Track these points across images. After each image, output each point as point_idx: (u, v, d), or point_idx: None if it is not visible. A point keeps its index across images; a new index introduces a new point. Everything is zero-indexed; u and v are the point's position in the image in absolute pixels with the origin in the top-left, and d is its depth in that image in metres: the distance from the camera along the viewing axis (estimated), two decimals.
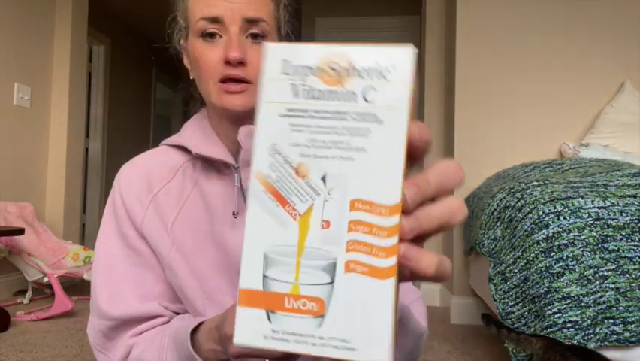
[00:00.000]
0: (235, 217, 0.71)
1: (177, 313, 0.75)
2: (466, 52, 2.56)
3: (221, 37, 0.66)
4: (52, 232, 2.76)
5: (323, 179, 0.28)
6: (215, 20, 0.65)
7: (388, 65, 0.28)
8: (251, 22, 0.65)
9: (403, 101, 0.28)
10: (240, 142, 0.69)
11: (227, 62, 0.64)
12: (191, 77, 0.73)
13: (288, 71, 0.28)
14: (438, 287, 2.85)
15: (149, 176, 0.74)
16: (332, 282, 0.28)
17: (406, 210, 0.28)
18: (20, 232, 2.12)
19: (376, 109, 0.28)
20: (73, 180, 3.12)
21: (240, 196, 0.71)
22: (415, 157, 0.31)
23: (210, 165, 0.73)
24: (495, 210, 1.56)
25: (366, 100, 0.28)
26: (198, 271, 0.71)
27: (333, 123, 0.28)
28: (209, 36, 0.66)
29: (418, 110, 3.46)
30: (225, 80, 0.65)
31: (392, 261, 0.27)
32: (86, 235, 4.17)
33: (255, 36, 0.66)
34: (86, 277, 2.47)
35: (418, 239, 0.29)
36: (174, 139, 0.76)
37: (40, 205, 2.94)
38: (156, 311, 0.71)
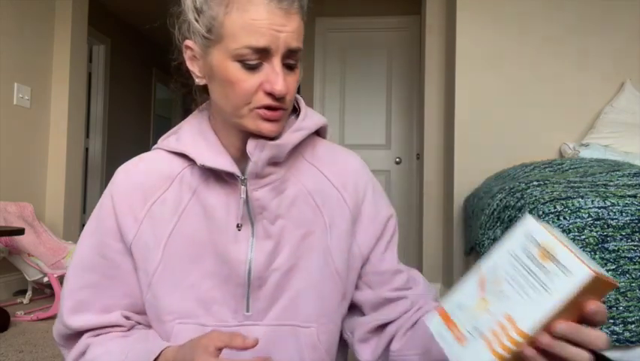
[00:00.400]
0: (239, 230, 0.70)
1: (139, 323, 0.76)
2: (466, 51, 2.56)
3: (261, 64, 0.63)
4: (52, 232, 2.76)
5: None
6: (260, 51, 0.62)
7: (572, 270, 0.43)
8: (292, 51, 0.64)
9: (566, 291, 0.43)
10: (249, 154, 0.67)
11: (269, 93, 0.63)
12: (197, 82, 0.70)
13: (529, 237, 0.47)
14: (438, 287, 2.85)
15: (144, 185, 0.72)
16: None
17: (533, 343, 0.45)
18: (20, 232, 2.12)
19: (553, 282, 0.44)
20: (74, 180, 3.12)
21: (245, 209, 0.70)
22: (591, 323, 0.46)
23: (210, 172, 0.71)
24: (495, 210, 1.56)
25: (550, 273, 0.45)
26: (192, 283, 0.70)
27: (525, 275, 0.46)
28: (250, 64, 0.63)
29: (419, 110, 3.46)
30: (265, 107, 0.64)
31: (504, 351, 0.45)
32: None
33: (289, 66, 0.65)
34: None
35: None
36: (172, 144, 0.74)
37: (40, 205, 2.94)
38: (116, 322, 0.72)
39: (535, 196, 1.34)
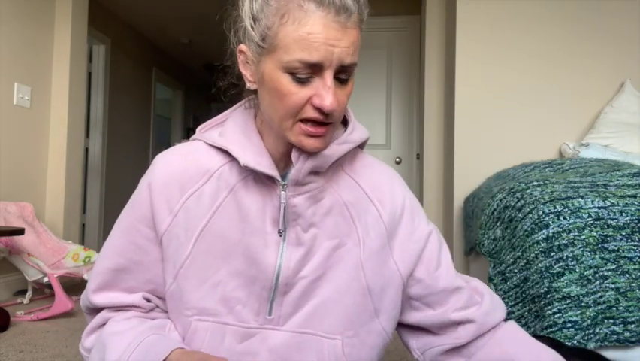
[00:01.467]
0: (280, 235, 0.71)
1: (158, 307, 0.78)
2: (466, 52, 2.56)
3: (312, 77, 0.62)
4: (52, 232, 2.76)
5: None
6: (312, 66, 0.61)
7: None
8: (345, 67, 0.63)
9: None
10: (293, 161, 0.68)
11: (318, 108, 0.62)
12: (248, 87, 0.70)
13: None
14: None
15: (183, 177, 0.72)
16: None
17: None
18: (20, 232, 2.12)
19: None
20: (74, 180, 3.12)
21: (283, 214, 0.70)
22: None
23: (250, 173, 0.71)
24: (495, 210, 1.56)
25: None
26: (219, 280, 0.70)
27: None
28: (301, 78, 0.62)
29: (419, 110, 3.46)
30: (310, 120, 0.64)
31: None
32: (85, 235, 4.17)
33: (341, 80, 0.64)
34: (85, 277, 2.47)
35: None
36: (215, 139, 0.74)
37: (40, 205, 2.94)
38: (137, 303, 0.75)
39: (535, 196, 1.34)
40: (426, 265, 0.76)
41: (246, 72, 0.69)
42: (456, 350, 0.76)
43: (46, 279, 2.39)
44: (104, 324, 0.75)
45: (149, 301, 0.76)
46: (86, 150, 4.19)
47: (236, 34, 0.69)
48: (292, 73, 0.62)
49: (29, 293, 2.59)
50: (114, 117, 4.52)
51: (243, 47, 0.68)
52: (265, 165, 0.69)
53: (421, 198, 3.10)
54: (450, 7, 2.77)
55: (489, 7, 2.54)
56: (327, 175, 0.73)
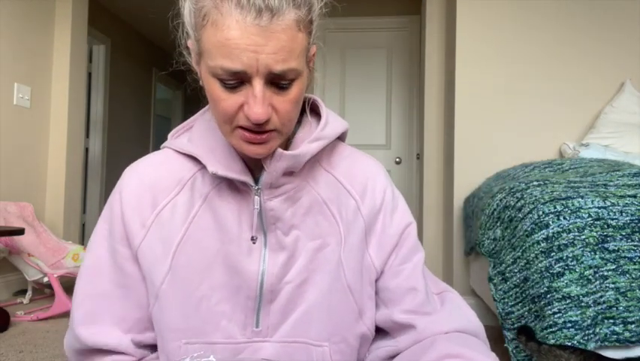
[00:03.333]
0: (254, 243, 0.67)
1: (148, 349, 0.72)
2: (466, 52, 2.56)
3: (242, 83, 0.57)
4: (52, 232, 2.76)
5: None
6: (236, 74, 0.55)
7: None
8: (277, 75, 0.56)
9: None
10: (264, 164, 0.64)
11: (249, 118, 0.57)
12: (201, 83, 0.65)
13: None
14: None
15: (154, 189, 0.68)
16: None
17: None
18: (20, 232, 2.12)
19: None
20: (73, 180, 3.12)
21: (258, 220, 0.66)
22: None
23: (223, 179, 0.68)
24: (495, 210, 1.56)
25: None
26: (202, 295, 0.66)
27: None
28: (228, 85, 0.57)
29: (419, 110, 3.46)
30: (246, 129, 0.59)
31: None
32: (85, 235, 4.17)
33: (281, 86, 0.58)
34: None
35: None
36: (183, 145, 0.70)
37: (40, 205, 2.94)
38: (126, 349, 0.68)
39: (535, 196, 1.34)
40: (392, 259, 0.72)
41: (197, 69, 0.64)
42: (397, 356, 0.70)
43: (46, 279, 2.39)
44: None
45: (139, 346, 0.70)
46: (86, 150, 4.19)
47: (186, 37, 0.64)
48: (220, 79, 0.57)
49: (29, 293, 2.59)
50: (114, 117, 4.52)
51: (189, 42, 0.63)
52: (237, 171, 0.65)
53: (421, 198, 3.10)
54: (450, 7, 2.77)
55: (489, 7, 2.54)
56: (303, 173, 0.69)
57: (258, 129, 0.58)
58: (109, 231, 0.69)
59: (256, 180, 0.67)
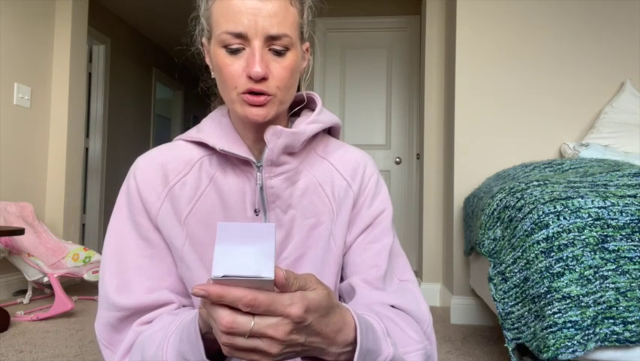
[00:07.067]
0: (256, 215, 0.73)
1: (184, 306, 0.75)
2: (466, 51, 2.56)
3: (244, 48, 0.66)
4: (52, 232, 2.76)
5: None
6: (239, 36, 0.65)
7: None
8: (274, 38, 0.66)
9: None
10: (265, 140, 0.70)
11: (250, 77, 0.66)
12: (212, 77, 0.74)
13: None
14: (438, 287, 2.85)
15: (165, 168, 0.74)
16: None
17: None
18: (20, 232, 2.12)
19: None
20: (73, 180, 3.12)
21: (259, 195, 0.73)
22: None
23: (227, 161, 0.75)
24: (495, 210, 1.56)
25: None
26: (209, 267, 0.71)
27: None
28: (232, 49, 0.66)
29: (419, 110, 3.46)
30: (248, 92, 0.67)
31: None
32: (86, 235, 4.17)
33: (277, 52, 0.67)
34: (86, 277, 2.47)
35: None
36: (192, 135, 0.77)
37: (40, 205, 2.94)
38: (165, 299, 0.71)
39: (535, 196, 1.34)
40: (363, 237, 0.78)
41: (209, 63, 0.74)
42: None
43: (46, 279, 2.39)
44: (135, 340, 0.69)
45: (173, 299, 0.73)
46: (86, 150, 4.19)
47: (200, 36, 0.75)
48: (225, 46, 0.66)
49: (29, 293, 2.59)
50: (114, 117, 4.52)
51: (204, 40, 0.73)
52: (239, 150, 0.72)
53: (421, 198, 3.10)
54: (450, 7, 2.77)
55: (489, 7, 2.54)
56: (301, 157, 0.76)
57: (260, 90, 0.66)
58: (128, 208, 0.74)
59: (258, 162, 0.74)
